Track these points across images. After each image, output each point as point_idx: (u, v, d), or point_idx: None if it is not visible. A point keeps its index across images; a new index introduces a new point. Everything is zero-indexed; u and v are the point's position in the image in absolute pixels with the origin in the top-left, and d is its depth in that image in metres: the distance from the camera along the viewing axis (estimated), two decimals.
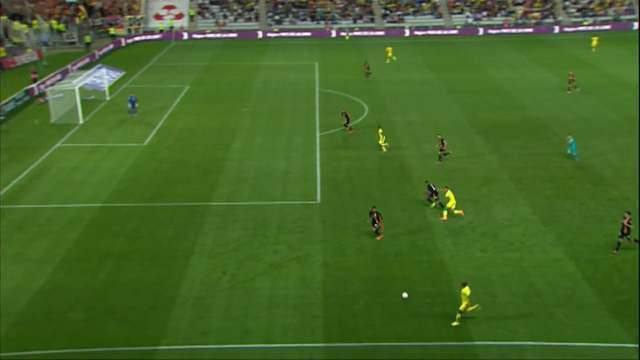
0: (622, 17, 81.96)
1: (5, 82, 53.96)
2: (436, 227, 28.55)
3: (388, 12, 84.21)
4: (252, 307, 22.74)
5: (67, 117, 45.13)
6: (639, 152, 37.04)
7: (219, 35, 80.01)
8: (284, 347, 20.70)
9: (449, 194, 29.24)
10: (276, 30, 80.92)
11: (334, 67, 62.10)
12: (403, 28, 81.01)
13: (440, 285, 23.74)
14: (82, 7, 78.57)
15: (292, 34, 79.95)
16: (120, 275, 24.95)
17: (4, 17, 70.04)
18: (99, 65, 53.42)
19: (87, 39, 71.97)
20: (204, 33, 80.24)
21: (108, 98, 50.66)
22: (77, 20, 76.72)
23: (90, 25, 77.99)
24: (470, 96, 50.47)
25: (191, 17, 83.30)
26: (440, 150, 35.95)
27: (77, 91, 45.06)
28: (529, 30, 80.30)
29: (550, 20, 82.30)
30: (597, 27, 79.74)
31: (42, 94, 50.32)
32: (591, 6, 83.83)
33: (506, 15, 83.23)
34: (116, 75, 53.21)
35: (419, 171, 34.86)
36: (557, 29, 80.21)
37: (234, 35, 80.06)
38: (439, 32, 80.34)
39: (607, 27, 79.85)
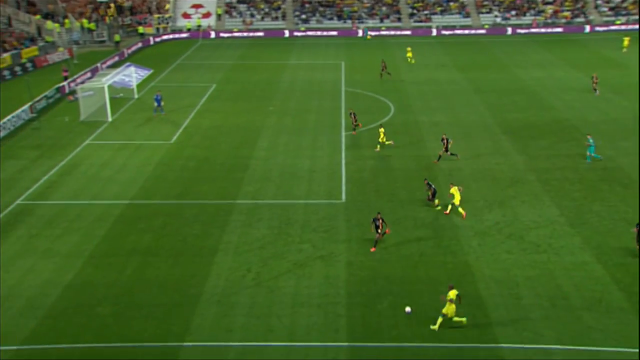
0: None
1: (38, 80, 54.95)
2: (461, 228, 28.34)
3: (415, 11, 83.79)
4: (276, 305, 22.83)
5: (96, 115, 45.80)
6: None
7: (245, 34, 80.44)
8: (307, 346, 20.74)
9: (454, 190, 29.10)
10: (303, 29, 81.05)
11: (360, 67, 61.96)
12: (430, 27, 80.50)
13: (465, 287, 23.52)
14: (112, 6, 79.72)
15: (319, 33, 80.00)
16: (146, 271, 25.27)
17: (38, 17, 71.47)
18: (127, 64, 54.04)
19: (117, 37, 73.03)
20: (231, 32, 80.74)
21: (136, 96, 51.30)
22: (107, 19, 77.89)
23: (120, 24, 79.14)
24: (497, 96, 49.97)
25: (219, 16, 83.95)
26: (445, 150, 35.54)
27: (106, 89, 45.65)
28: (559, 29, 79.15)
29: (581, 19, 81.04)
30: (629, 27, 78.22)
31: (73, 92, 51.14)
32: (624, 5, 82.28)
33: (535, 15, 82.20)
34: (144, 73, 53.76)
35: (445, 171, 34.64)
36: (587, 28, 78.88)
37: (260, 34, 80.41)
38: (467, 31, 79.64)
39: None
